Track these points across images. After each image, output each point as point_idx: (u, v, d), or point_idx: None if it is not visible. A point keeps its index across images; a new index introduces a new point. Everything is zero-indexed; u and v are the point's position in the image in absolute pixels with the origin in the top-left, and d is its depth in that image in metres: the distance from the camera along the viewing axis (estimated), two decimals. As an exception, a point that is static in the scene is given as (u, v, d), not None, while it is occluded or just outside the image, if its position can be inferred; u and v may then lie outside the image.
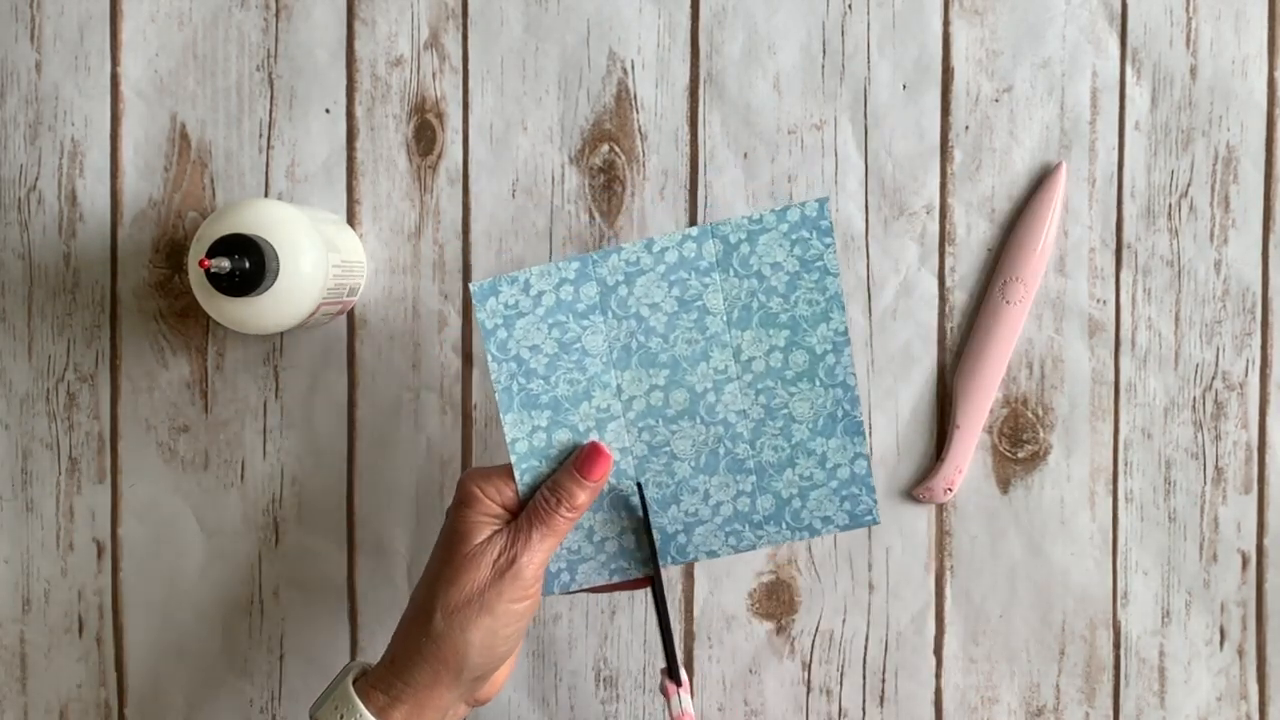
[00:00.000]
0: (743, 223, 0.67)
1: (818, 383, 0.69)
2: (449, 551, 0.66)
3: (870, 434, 0.80)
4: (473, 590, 0.65)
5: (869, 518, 0.70)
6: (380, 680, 0.66)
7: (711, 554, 0.71)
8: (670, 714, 0.70)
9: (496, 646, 0.66)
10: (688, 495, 0.70)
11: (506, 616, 0.65)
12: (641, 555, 0.71)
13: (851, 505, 0.70)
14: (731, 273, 0.68)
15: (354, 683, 0.67)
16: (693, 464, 0.70)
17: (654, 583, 0.70)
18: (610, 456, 0.68)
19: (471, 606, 0.65)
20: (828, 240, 0.67)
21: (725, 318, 0.69)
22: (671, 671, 0.70)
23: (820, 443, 0.70)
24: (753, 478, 0.70)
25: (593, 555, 0.70)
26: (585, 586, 0.70)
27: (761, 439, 0.70)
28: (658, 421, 0.69)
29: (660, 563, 0.70)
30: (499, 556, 0.65)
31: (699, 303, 0.68)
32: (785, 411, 0.69)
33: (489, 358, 0.67)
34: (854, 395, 0.69)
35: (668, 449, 0.69)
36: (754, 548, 0.71)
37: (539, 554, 0.66)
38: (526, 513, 0.67)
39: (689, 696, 0.70)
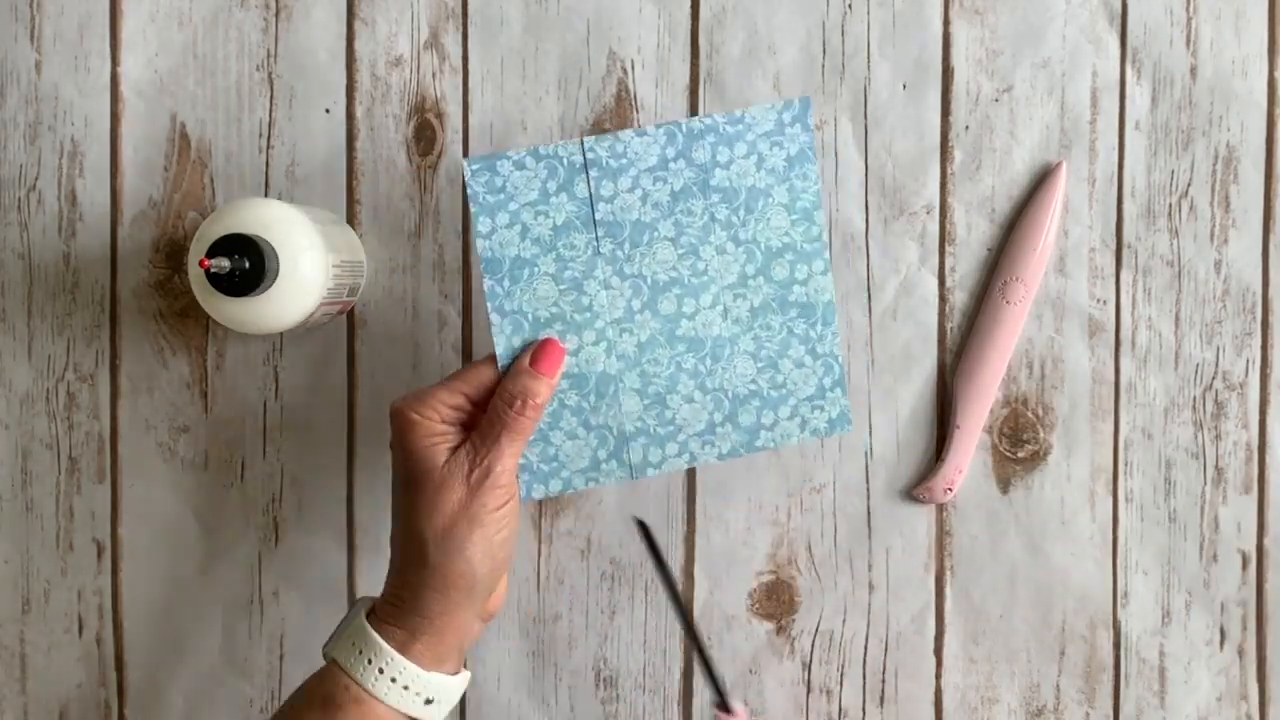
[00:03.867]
0: (720, 120, 0.68)
1: (796, 283, 0.70)
2: (418, 481, 0.66)
3: (870, 434, 0.80)
4: (456, 509, 0.65)
5: (846, 425, 0.71)
6: (393, 616, 0.66)
7: (691, 460, 0.71)
8: None
9: (495, 553, 0.66)
10: (674, 401, 0.70)
11: (495, 523, 0.66)
12: (672, 612, 0.75)
13: (829, 409, 0.71)
14: (725, 176, 0.69)
15: (367, 619, 0.67)
16: (683, 370, 0.70)
17: (688, 626, 0.74)
18: (564, 350, 0.69)
19: (460, 526, 0.65)
20: (810, 136, 0.69)
21: (721, 219, 0.69)
22: (723, 704, 0.73)
23: (797, 347, 0.70)
24: (737, 388, 0.71)
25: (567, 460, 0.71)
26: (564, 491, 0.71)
27: (751, 343, 0.70)
28: (655, 336, 0.70)
29: (636, 475, 0.71)
30: (471, 471, 0.66)
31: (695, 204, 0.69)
32: (767, 313, 0.70)
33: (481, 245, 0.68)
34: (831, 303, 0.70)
35: (659, 358, 0.70)
36: (734, 456, 0.71)
37: (510, 459, 0.66)
38: (488, 421, 0.67)
39: None
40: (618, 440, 0.70)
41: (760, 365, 0.70)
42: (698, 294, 0.69)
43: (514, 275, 0.68)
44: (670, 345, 0.70)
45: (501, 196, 0.68)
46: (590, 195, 0.68)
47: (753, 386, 0.70)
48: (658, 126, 0.68)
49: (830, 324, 0.70)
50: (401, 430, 0.67)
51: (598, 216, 0.68)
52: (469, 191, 0.68)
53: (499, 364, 0.68)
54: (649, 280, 0.69)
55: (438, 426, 0.67)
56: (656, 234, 0.69)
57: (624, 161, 0.68)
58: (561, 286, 0.69)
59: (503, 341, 0.68)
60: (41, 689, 0.81)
